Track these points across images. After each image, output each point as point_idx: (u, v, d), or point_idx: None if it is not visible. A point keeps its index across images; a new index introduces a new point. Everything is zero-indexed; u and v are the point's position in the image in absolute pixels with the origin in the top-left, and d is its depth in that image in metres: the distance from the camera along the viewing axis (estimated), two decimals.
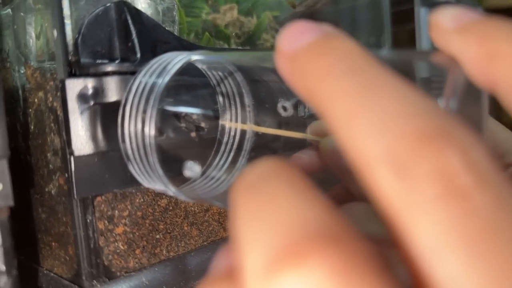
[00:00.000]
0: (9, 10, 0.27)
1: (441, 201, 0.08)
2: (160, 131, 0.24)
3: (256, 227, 0.09)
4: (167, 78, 0.21)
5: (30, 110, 0.26)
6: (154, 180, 0.22)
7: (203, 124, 0.27)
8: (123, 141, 0.22)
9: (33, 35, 0.26)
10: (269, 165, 0.10)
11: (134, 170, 0.22)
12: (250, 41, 0.38)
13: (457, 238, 0.08)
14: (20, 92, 0.26)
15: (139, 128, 0.21)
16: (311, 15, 0.42)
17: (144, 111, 0.21)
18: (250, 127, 0.27)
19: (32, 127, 0.26)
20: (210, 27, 0.36)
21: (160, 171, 0.21)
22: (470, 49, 0.12)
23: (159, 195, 0.26)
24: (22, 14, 0.26)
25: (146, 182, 0.23)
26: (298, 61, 0.11)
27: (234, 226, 0.09)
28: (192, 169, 0.23)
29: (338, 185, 0.18)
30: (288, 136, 0.28)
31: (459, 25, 0.12)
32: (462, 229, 0.08)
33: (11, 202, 0.21)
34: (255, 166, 0.10)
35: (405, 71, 0.11)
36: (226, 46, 0.36)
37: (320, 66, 0.11)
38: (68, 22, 0.23)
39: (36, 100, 0.25)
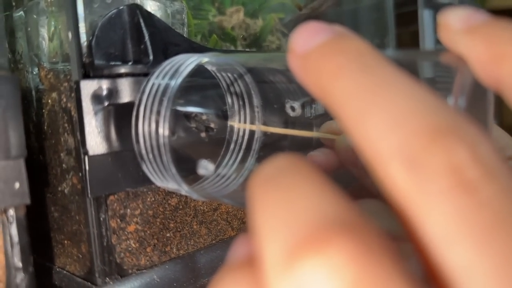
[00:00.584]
0: (22, 12, 0.28)
1: (451, 193, 0.09)
2: (172, 131, 0.24)
3: (276, 217, 0.09)
4: (179, 80, 0.22)
5: (44, 110, 0.26)
6: (167, 179, 0.23)
7: (212, 125, 0.28)
8: (137, 141, 0.22)
9: (46, 37, 0.27)
10: (286, 159, 0.11)
11: (148, 169, 0.23)
12: (256, 43, 0.38)
13: (467, 227, 0.08)
14: (33, 93, 0.27)
15: (153, 129, 0.22)
16: (316, 17, 0.43)
17: (158, 112, 0.22)
18: (258, 127, 0.28)
19: (45, 127, 0.26)
20: (217, 29, 0.37)
21: (174, 170, 0.22)
22: (477, 50, 0.12)
23: (170, 194, 0.27)
24: (34, 16, 0.27)
25: (159, 181, 0.23)
26: (311, 60, 0.12)
27: (253, 217, 0.10)
28: (206, 167, 0.23)
29: (354, 183, 0.19)
30: (295, 136, 0.29)
31: (467, 26, 0.13)
32: (472, 219, 0.08)
33: (27, 200, 0.22)
34: (272, 161, 0.11)
35: (411, 71, 0.12)
36: (232, 48, 0.36)
37: (333, 65, 0.11)
38: (82, 24, 0.24)
39: (49, 101, 0.26)
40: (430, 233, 0.09)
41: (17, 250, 0.22)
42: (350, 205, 0.09)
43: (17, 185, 0.22)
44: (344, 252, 0.08)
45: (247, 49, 0.37)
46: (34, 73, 0.27)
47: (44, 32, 0.27)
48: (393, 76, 0.11)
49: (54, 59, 0.26)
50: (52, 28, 0.26)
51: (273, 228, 0.09)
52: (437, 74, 0.17)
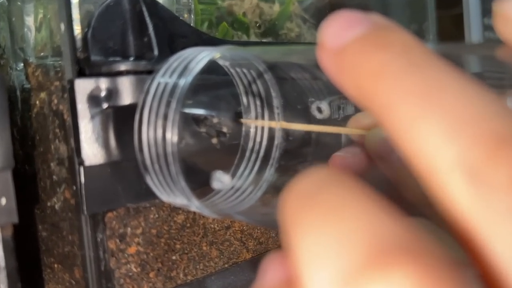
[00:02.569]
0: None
1: None
2: (180, 137, 0.25)
3: (322, 240, 0.10)
4: (190, 78, 0.23)
5: (30, 113, 0.27)
6: (174, 193, 0.24)
7: (225, 129, 0.28)
8: (141, 149, 0.23)
9: (33, 27, 0.28)
10: (325, 172, 0.11)
11: (152, 182, 0.24)
12: (271, 30, 0.39)
13: None
14: (18, 93, 0.28)
15: (159, 135, 0.23)
16: (339, 0, 0.44)
17: (165, 116, 0.22)
18: (272, 124, 0.28)
19: (32, 133, 0.27)
20: (226, 15, 0.37)
21: (183, 183, 0.22)
22: None
23: (175, 210, 0.28)
24: (19, 3, 0.28)
25: (165, 196, 0.24)
26: (348, 57, 0.12)
27: (291, 240, 0.10)
28: (220, 179, 0.24)
29: (387, 188, 0.19)
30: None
31: None
32: None
33: (15, 219, 0.23)
34: (307, 174, 0.11)
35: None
36: (245, 37, 0.37)
37: (375, 63, 0.12)
38: (75, 12, 0.25)
39: (37, 102, 0.27)
40: (498, 255, 0.09)
41: (3, 276, 0.23)
42: (407, 223, 0.10)
43: (3, 201, 0.23)
44: (409, 278, 0.09)
45: (263, 39, 0.38)
46: (19, 69, 0.28)
47: (30, 22, 0.28)
48: (447, 74, 0.11)
49: (42, 53, 0.27)
50: (40, 16, 0.27)
51: (320, 253, 0.10)
52: (486, 69, 0.17)
